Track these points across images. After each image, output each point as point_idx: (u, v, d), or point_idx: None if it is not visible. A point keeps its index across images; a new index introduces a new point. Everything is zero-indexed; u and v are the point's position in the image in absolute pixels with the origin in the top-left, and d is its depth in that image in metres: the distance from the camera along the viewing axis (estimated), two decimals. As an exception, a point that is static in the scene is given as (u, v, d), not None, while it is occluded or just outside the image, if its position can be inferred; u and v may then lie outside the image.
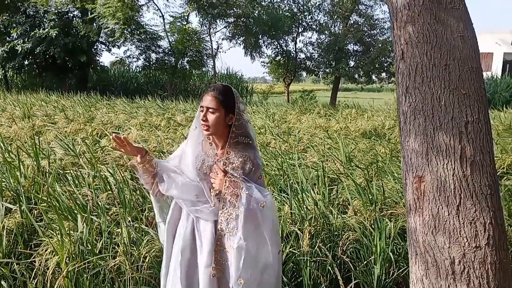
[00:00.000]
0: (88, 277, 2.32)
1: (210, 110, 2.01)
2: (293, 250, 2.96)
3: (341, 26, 20.64)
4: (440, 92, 1.60)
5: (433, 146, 1.59)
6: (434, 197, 1.59)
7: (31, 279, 2.43)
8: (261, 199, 1.97)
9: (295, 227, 3.08)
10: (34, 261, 2.53)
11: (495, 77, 20.47)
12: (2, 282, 2.37)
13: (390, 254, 2.98)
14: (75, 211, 2.85)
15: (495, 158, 5.50)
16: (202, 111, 2.03)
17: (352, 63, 20.63)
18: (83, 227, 2.61)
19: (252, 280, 1.99)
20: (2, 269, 2.45)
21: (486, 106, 1.65)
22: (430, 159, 1.60)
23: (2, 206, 2.94)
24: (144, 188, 3.18)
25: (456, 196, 1.56)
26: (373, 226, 3.16)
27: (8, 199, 3.16)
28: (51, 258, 2.43)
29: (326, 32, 20.21)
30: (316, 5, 19.99)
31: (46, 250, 2.51)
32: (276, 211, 2.06)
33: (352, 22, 20.35)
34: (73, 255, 2.42)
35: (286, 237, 3.07)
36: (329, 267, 2.93)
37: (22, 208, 2.88)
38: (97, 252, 2.53)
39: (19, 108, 9.57)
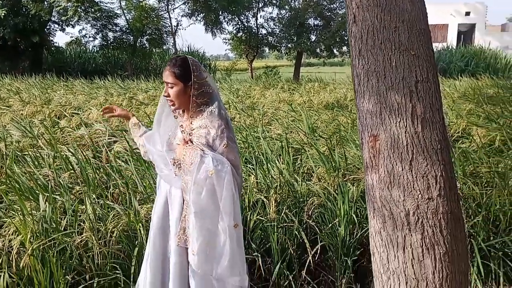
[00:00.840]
0: (55, 254, 2.30)
1: (169, 85, 2.01)
2: (260, 218, 3.03)
3: (301, 1, 20.60)
4: (391, 53, 1.66)
5: (386, 106, 1.66)
6: (388, 154, 1.67)
7: (-5, 259, 2.39)
8: (211, 167, 1.93)
9: (261, 195, 3.14)
10: (-3, 243, 2.48)
11: (450, 47, 21.14)
12: (-36, 265, 2.31)
13: (353, 216, 3.10)
14: (37, 192, 2.79)
15: (451, 123, 5.77)
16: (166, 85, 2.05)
17: (313, 38, 20.74)
18: (46, 206, 2.57)
19: (207, 252, 1.97)
20: (-37, 252, 2.39)
21: (435, 66, 1.73)
22: (383, 118, 1.67)
23: (-42, 191, 2.85)
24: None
25: (409, 152, 1.64)
26: (336, 191, 3.27)
27: (-36, 183, 3.06)
28: (14, 238, 2.39)
29: (287, 7, 20.16)
30: (276, -21, 19.84)
31: (8, 231, 2.47)
32: (233, 181, 1.97)
33: (312, -4, 20.34)
34: (37, 234, 2.39)
35: (253, 206, 3.13)
36: (295, 232, 3.03)
37: (-20, 190, 2.79)
38: (62, 229, 2.51)
39: (-31, 93, 9.12)
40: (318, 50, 21.02)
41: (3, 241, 2.44)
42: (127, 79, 15.01)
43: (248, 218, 3.03)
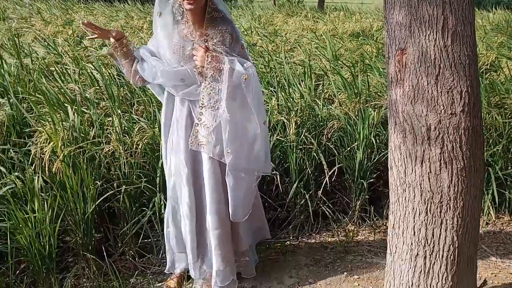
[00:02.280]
0: (84, 161, 2.42)
1: None
2: (280, 138, 3.08)
3: None
4: (426, -38, 1.58)
5: (416, 18, 1.61)
6: (415, 68, 1.65)
7: (29, 164, 2.53)
8: (243, 72, 2.02)
9: (282, 117, 3.17)
10: (29, 150, 2.61)
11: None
12: (1, 168, 2.47)
13: (373, 139, 3.14)
14: (65, 104, 2.88)
15: (481, 55, 5.57)
16: None
17: (341, -37, 19.58)
18: (74, 116, 2.67)
19: (241, 150, 2.11)
20: (0, 155, 2.54)
21: (472, -24, 1.65)
22: (413, 31, 1.63)
23: (-10, 100, 2.97)
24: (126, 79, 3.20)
25: (436, 66, 1.61)
26: (357, 116, 3.28)
27: (-6, 95, 3.17)
28: (46, 145, 2.51)
29: None
30: None
31: (40, 139, 2.59)
32: (259, 82, 2.16)
33: None
34: (68, 142, 2.51)
35: (274, 127, 3.18)
36: (314, 154, 3.09)
37: (11, 101, 2.89)
38: (91, 139, 2.62)
39: (-9, 12, 9.09)
40: (345, -23, 19.93)
41: (35, 148, 2.57)
42: (147, 2, 14.65)
43: (269, 139, 3.09)
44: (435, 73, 1.62)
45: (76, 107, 2.77)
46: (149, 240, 2.68)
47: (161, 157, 2.45)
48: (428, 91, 1.64)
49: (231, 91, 2.02)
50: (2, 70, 3.38)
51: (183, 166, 2.18)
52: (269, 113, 3.24)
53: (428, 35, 1.61)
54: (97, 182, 2.47)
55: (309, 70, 4.05)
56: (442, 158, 1.66)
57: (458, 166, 1.67)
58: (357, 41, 6.66)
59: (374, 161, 3.18)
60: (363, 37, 7.40)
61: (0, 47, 4.33)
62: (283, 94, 3.48)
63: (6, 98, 2.96)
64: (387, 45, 1.76)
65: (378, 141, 3.25)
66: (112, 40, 2.16)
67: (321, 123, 3.32)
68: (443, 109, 1.63)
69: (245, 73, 2.02)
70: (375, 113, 3.31)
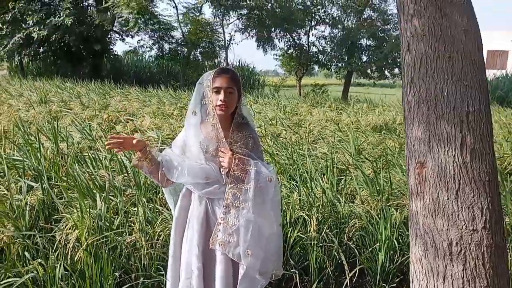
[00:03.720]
0: (106, 251, 2.46)
1: (229, 90, 2.10)
2: (301, 235, 3.07)
3: (355, 21, 20.55)
4: (443, 83, 1.69)
5: (435, 134, 1.68)
6: (434, 182, 1.69)
7: (53, 251, 2.58)
8: (268, 174, 2.12)
9: (303, 212, 3.19)
10: (55, 235, 2.68)
11: (510, 75, 20.27)
12: (26, 253, 2.52)
13: (395, 241, 3.08)
14: (94, 191, 2.99)
15: (505, 155, 5.56)
16: (216, 92, 2.12)
17: (364, 58, 20.58)
18: (102, 205, 2.75)
19: (259, 251, 2.12)
20: (26, 241, 2.61)
21: (487, 97, 1.74)
22: (432, 146, 1.69)
23: (25, 184, 3.10)
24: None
25: (456, 181, 1.65)
26: (379, 215, 3.26)
27: (29, 178, 3.32)
28: (71, 232, 2.58)
29: (339, 26, 20.16)
30: (330, -1, 19.96)
31: (66, 225, 2.66)
32: (279, 185, 2.26)
33: (365, 16, 20.26)
34: (92, 231, 2.57)
35: (294, 222, 3.18)
36: (335, 253, 3.04)
37: (43, 186, 3.03)
38: (115, 228, 2.68)
39: (35, 94, 9.78)
40: (368, 71, 20.81)
41: (60, 234, 2.63)
42: (179, 89, 15.51)
43: (289, 235, 3.07)
44: (455, 188, 1.65)
45: (104, 195, 2.86)
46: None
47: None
48: (448, 206, 1.66)
49: (257, 192, 2.10)
50: (39, 155, 3.57)
51: (197, 262, 2.18)
52: (290, 208, 3.26)
53: (447, 151, 1.67)
54: (115, 273, 2.48)
55: (331, 164, 4.12)
56: (465, 275, 1.63)
57: (482, 284, 1.63)
58: (379, 135, 6.80)
59: (397, 263, 3.09)
60: (385, 131, 7.56)
61: (39, 131, 4.61)
62: (304, 188, 3.52)
63: (39, 182, 3.10)
64: (407, 157, 1.82)
65: (401, 242, 3.19)
66: (139, 153, 2.21)
67: (343, 221, 3.31)
68: (464, 224, 1.63)
69: (270, 175, 2.12)
70: (398, 213, 3.29)
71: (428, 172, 1.70)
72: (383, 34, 20.05)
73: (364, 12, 20.23)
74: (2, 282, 2.30)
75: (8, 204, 2.85)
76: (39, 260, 2.45)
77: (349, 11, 20.25)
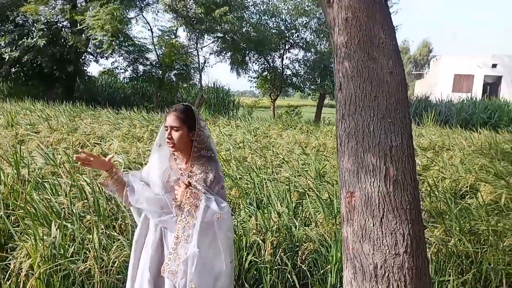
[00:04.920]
0: (59, 279, 2.49)
1: (174, 128, 2.23)
2: (256, 259, 3.17)
3: (327, 45, 21.12)
4: (369, 119, 1.85)
5: (362, 166, 1.84)
6: (362, 210, 1.83)
7: (5, 280, 2.60)
8: (217, 211, 2.16)
9: (258, 237, 3.29)
10: (9, 264, 2.70)
11: (474, 98, 21.13)
12: (-23, 283, 2.53)
13: (345, 264, 3.21)
14: (50, 218, 3.03)
15: (460, 178, 5.82)
16: (166, 130, 2.26)
17: (336, 81, 21.07)
18: (57, 232, 2.79)
19: (203, 286, 2.15)
20: (-22, 270, 2.62)
21: (410, 132, 1.91)
22: (360, 177, 1.84)
23: (-19, 212, 3.12)
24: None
25: (380, 209, 1.80)
26: (332, 239, 3.39)
27: (-13, 206, 3.33)
28: (25, 261, 2.61)
29: (312, 50, 20.68)
30: (303, 23, 20.48)
31: (20, 254, 2.69)
32: (231, 222, 2.23)
33: (337, 41, 20.80)
34: (46, 258, 2.60)
35: (250, 247, 3.28)
36: (288, 275, 3.15)
37: (0, 214, 3.05)
38: (69, 256, 2.72)
39: (3, 117, 9.66)
40: (340, 94, 21.27)
41: (14, 263, 2.66)
42: (153, 111, 15.53)
43: (244, 258, 3.17)
44: (380, 215, 1.80)
45: (60, 222, 2.90)
46: None
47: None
48: (374, 232, 1.80)
49: (204, 228, 2.15)
50: (-2, 181, 3.58)
51: (148, 286, 2.26)
52: (248, 233, 3.36)
53: (373, 182, 1.82)
54: (68, 301, 2.52)
55: (290, 188, 4.26)
56: (389, 297, 1.76)
57: (405, 305, 1.76)
58: (344, 158, 7.00)
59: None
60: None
61: (1, 156, 4.60)
62: (260, 213, 3.63)
63: (-4, 210, 3.12)
64: (340, 186, 1.96)
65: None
66: (105, 173, 2.34)
67: (297, 244, 3.42)
68: (388, 249, 1.78)
69: (219, 212, 2.16)
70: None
71: (357, 201, 1.84)
72: (353, 58, 20.57)
73: (335, 37, 20.79)
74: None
75: (-38, 233, 2.86)
76: (-9, 289, 2.47)
77: (322, 35, 20.82)
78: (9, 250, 2.90)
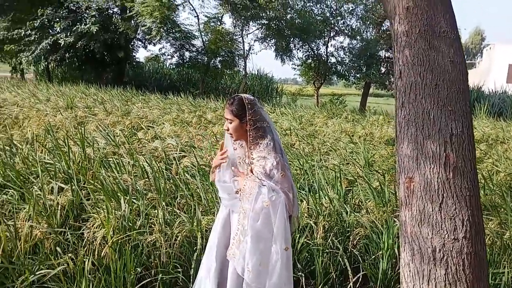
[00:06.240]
0: (129, 249, 2.73)
1: (228, 120, 2.37)
2: (308, 241, 3.29)
3: (374, 32, 20.69)
4: (430, 107, 1.91)
5: (422, 152, 1.90)
6: (421, 195, 1.90)
7: (81, 247, 2.87)
8: (266, 199, 2.24)
9: (310, 220, 3.41)
10: (83, 233, 2.97)
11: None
12: (58, 248, 2.81)
13: (396, 250, 3.27)
14: (118, 194, 3.28)
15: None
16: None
17: (383, 70, 20.66)
18: (125, 207, 3.03)
19: (260, 270, 2.26)
20: (59, 236, 2.90)
21: (470, 121, 1.94)
22: (419, 163, 1.91)
23: (56, 185, 3.41)
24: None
25: (439, 195, 1.86)
26: (383, 226, 3.46)
27: (60, 180, 3.63)
28: (98, 230, 2.86)
29: (358, 37, 20.31)
30: (349, 10, 20.13)
31: (93, 224, 2.95)
32: (284, 211, 2.26)
33: (384, 28, 20.36)
34: (117, 230, 2.84)
35: (302, 229, 3.40)
36: (339, 259, 3.25)
37: (73, 188, 3.33)
38: (137, 228, 2.95)
39: (62, 99, 10.24)
40: (387, 82, 20.86)
41: (88, 232, 2.92)
42: (198, 97, 15.89)
43: (297, 241, 3.30)
44: (439, 201, 1.86)
45: (128, 198, 3.14)
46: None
47: (196, 250, 2.71)
48: (433, 217, 1.87)
49: (254, 214, 2.26)
50: (68, 159, 3.88)
51: (213, 263, 2.42)
52: (298, 216, 3.48)
53: (432, 168, 1.88)
54: (137, 268, 2.74)
55: (340, 175, 4.33)
56: (446, 279, 1.84)
57: (462, 287, 1.83)
58: (392, 148, 6.96)
59: (399, 271, 3.27)
60: (398, 144, 7.70)
61: (68, 136, 4.95)
62: (313, 198, 3.74)
63: (69, 185, 3.40)
64: (398, 172, 2.03)
65: (402, 251, 3.37)
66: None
67: (348, 229, 3.51)
68: (447, 234, 1.84)
69: (268, 200, 2.24)
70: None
71: (416, 186, 1.92)
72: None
73: (383, 24, 20.33)
74: (37, 273, 2.59)
75: (41, 204, 3.15)
76: (70, 255, 2.73)
77: (368, 22, 20.40)
78: (81, 221, 3.18)
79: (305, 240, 3.29)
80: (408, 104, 1.96)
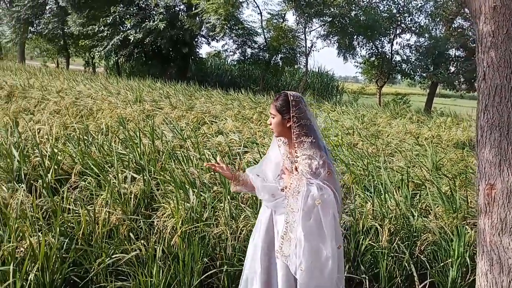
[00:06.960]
0: (197, 239, 2.83)
1: (271, 115, 2.36)
2: (372, 243, 3.23)
3: (443, 30, 19.73)
4: (517, 111, 1.80)
5: (506, 159, 1.80)
6: (503, 203, 1.80)
7: (152, 234, 3.01)
8: (317, 197, 2.20)
9: (375, 222, 3.34)
10: (153, 222, 3.11)
11: None
12: (131, 234, 2.97)
13: (468, 259, 3.12)
14: (186, 186, 3.41)
15: None
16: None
17: (452, 69, 19.65)
18: (194, 198, 3.15)
19: (313, 269, 2.23)
20: (132, 223, 3.07)
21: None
22: (502, 170, 1.81)
23: (129, 175, 3.61)
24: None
25: (524, 204, 1.76)
26: (453, 232, 3.31)
27: (132, 170, 3.83)
28: (168, 220, 2.99)
29: (426, 35, 19.45)
30: (418, 6, 19.33)
31: (163, 214, 3.09)
32: (335, 207, 2.24)
33: (456, 26, 19.35)
34: (186, 220, 2.96)
35: (367, 231, 3.34)
36: (405, 263, 3.16)
37: (145, 177, 3.50)
38: (204, 220, 3.05)
39: (131, 93, 10.76)
40: (456, 83, 19.83)
41: (158, 221, 3.06)
42: (258, 93, 16.02)
43: (360, 242, 3.25)
44: (523, 210, 1.76)
45: (196, 190, 3.26)
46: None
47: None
48: (516, 226, 1.77)
49: (305, 212, 2.22)
50: (139, 150, 4.09)
51: (258, 265, 2.44)
52: (363, 217, 3.42)
53: (517, 175, 1.78)
54: (204, 259, 2.84)
55: (407, 178, 4.20)
56: (528, 293, 1.73)
57: (546, 303, 1.72)
58: (461, 152, 6.63)
59: (469, 281, 3.13)
60: (468, 148, 7.31)
61: (139, 129, 5.20)
62: (378, 200, 3.66)
63: (141, 174, 3.58)
64: (477, 178, 1.94)
65: (474, 261, 3.22)
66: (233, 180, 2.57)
67: (415, 234, 3.40)
68: (531, 245, 1.74)
69: (319, 198, 2.20)
70: (473, 232, 3.31)
71: (497, 193, 1.82)
72: (474, 45, 18.98)
73: (455, 21, 19.34)
74: (113, 257, 2.76)
75: (116, 191, 3.35)
76: (142, 241, 2.88)
77: (438, 19, 19.47)
78: (151, 210, 3.33)
79: (369, 242, 3.23)
80: (492, 108, 1.86)
